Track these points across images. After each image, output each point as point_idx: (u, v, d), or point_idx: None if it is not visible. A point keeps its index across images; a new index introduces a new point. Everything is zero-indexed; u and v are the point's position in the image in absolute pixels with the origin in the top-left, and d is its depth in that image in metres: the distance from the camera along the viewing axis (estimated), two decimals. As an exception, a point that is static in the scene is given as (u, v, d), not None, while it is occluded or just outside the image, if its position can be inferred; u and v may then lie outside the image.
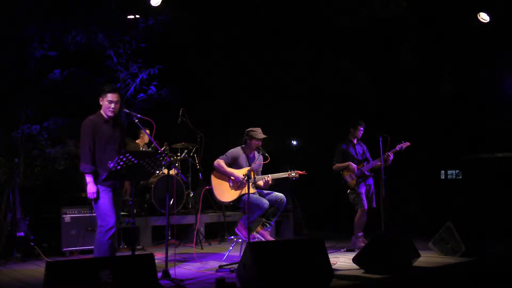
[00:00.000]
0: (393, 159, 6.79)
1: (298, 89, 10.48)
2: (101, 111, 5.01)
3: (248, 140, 6.12)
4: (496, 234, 7.23)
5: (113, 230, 4.78)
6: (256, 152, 6.12)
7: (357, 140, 7.18)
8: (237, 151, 6.14)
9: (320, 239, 4.84)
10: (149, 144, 8.20)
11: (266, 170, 6.25)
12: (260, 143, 6.06)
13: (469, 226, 6.32)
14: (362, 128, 7.10)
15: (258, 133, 6.06)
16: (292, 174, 5.99)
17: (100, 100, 4.99)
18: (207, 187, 6.26)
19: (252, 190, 5.87)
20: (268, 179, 5.95)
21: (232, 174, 5.97)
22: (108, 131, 4.96)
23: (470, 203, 8.37)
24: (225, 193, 5.98)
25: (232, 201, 5.99)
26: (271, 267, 4.34)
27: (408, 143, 6.82)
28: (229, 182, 6.01)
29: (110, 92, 4.95)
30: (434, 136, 9.42)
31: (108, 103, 4.93)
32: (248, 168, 5.92)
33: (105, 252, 4.75)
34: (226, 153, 6.11)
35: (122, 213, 7.02)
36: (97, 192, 4.80)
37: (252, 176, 5.94)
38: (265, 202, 5.79)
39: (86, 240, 6.62)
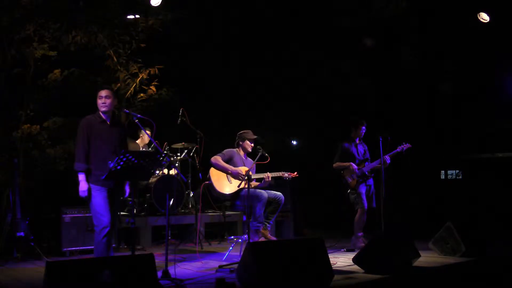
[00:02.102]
0: (393, 159, 6.79)
1: (298, 89, 10.48)
2: (99, 111, 5.07)
3: (241, 142, 6.35)
4: (496, 234, 7.23)
5: (107, 229, 4.79)
6: (246, 155, 6.32)
7: (359, 140, 7.18)
8: (232, 151, 6.34)
9: (320, 239, 4.83)
10: (149, 144, 8.20)
11: (266, 170, 6.26)
12: (252, 144, 6.25)
13: (469, 226, 6.32)
14: (364, 128, 7.11)
15: (250, 134, 6.29)
16: (285, 175, 6.08)
17: (97, 99, 5.07)
18: (206, 182, 6.31)
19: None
20: (268, 175, 6.00)
21: (229, 169, 6.06)
22: (105, 131, 4.97)
23: (470, 203, 8.37)
24: (224, 186, 6.07)
25: (231, 194, 6.02)
26: (271, 267, 4.34)
27: (409, 145, 6.82)
28: (227, 176, 6.10)
29: (102, 89, 5.11)
30: (434, 136, 9.42)
31: (99, 99, 5.03)
32: (244, 167, 6.07)
33: (102, 251, 4.77)
34: (223, 152, 6.28)
35: (122, 213, 7.03)
36: (89, 191, 4.85)
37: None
38: (264, 193, 5.88)
39: (86, 240, 6.62)
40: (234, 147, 6.40)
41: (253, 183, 6.13)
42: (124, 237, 7.15)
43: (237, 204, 6.09)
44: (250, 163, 6.22)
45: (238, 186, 5.92)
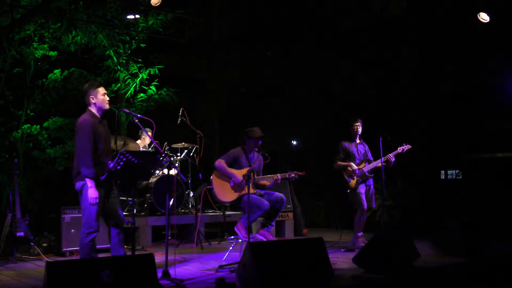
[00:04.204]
0: (395, 160, 6.78)
1: (298, 89, 10.48)
2: (93, 110, 4.90)
3: (247, 140, 6.14)
4: (497, 234, 7.22)
5: (95, 234, 4.73)
6: (255, 152, 6.13)
7: (359, 140, 7.18)
8: (237, 151, 6.15)
9: (320, 239, 4.84)
10: (149, 144, 8.20)
11: (266, 170, 6.25)
12: (259, 142, 6.08)
13: (469, 226, 6.31)
14: (358, 125, 7.08)
15: (256, 132, 6.09)
16: (292, 175, 6.01)
17: (90, 98, 4.87)
18: (208, 186, 6.25)
19: (252, 190, 5.87)
20: (278, 177, 5.96)
21: (233, 175, 5.97)
22: (103, 131, 4.90)
23: (470, 203, 8.36)
24: (226, 193, 5.97)
25: (233, 201, 5.98)
26: (271, 267, 4.34)
27: (409, 146, 6.80)
28: (230, 182, 6.01)
29: (100, 86, 4.96)
30: (434, 136, 9.42)
31: (103, 95, 4.91)
32: (248, 168, 5.92)
33: (87, 254, 4.71)
34: (227, 153, 6.12)
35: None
36: (99, 197, 4.71)
37: (253, 176, 5.93)
38: (265, 203, 5.80)
39: (86, 240, 6.61)
40: (239, 145, 6.20)
41: (264, 182, 6.08)
42: (124, 237, 7.15)
43: (240, 206, 6.06)
44: (257, 163, 6.16)
45: (240, 193, 5.89)
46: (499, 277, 5.45)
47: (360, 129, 7.10)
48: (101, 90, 4.92)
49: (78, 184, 4.77)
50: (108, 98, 4.95)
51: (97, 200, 4.68)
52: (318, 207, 10.14)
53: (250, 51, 10.25)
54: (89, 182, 4.66)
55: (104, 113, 5.00)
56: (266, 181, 6.05)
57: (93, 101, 4.89)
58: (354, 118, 7.13)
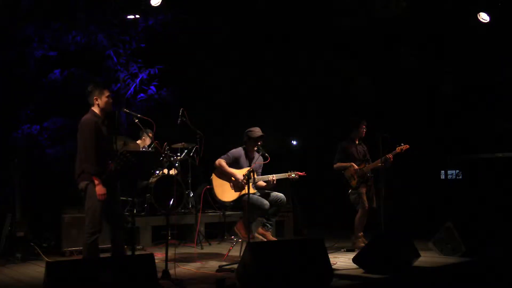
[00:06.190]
0: (393, 160, 6.78)
1: (298, 89, 10.48)
2: (96, 111, 4.95)
3: (247, 140, 6.13)
4: (496, 234, 7.22)
5: (98, 234, 4.76)
6: (255, 152, 6.14)
7: (359, 140, 7.18)
8: (238, 151, 6.16)
9: (320, 239, 4.84)
10: (149, 144, 8.19)
11: (266, 170, 6.25)
12: (260, 142, 6.08)
13: (469, 226, 6.31)
14: (364, 127, 7.10)
15: (256, 132, 6.10)
16: (292, 175, 6.00)
17: (95, 99, 4.93)
18: (207, 186, 6.25)
19: (252, 190, 5.87)
20: (273, 178, 5.95)
21: (233, 175, 5.98)
22: (105, 131, 4.94)
23: (470, 203, 8.36)
24: (225, 193, 5.98)
25: (233, 201, 5.99)
26: (271, 267, 4.34)
27: (407, 146, 6.81)
28: (230, 182, 6.01)
29: (105, 88, 5.01)
30: (434, 136, 9.42)
31: (107, 98, 4.96)
32: (248, 168, 5.92)
33: (89, 253, 4.75)
34: (228, 153, 6.13)
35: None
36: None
37: (253, 177, 5.93)
38: (266, 203, 5.80)
39: (86, 240, 6.60)
40: (240, 145, 6.22)
41: (261, 183, 6.08)
42: (124, 237, 7.14)
43: (239, 207, 6.06)
44: (257, 163, 6.15)
45: (240, 192, 5.88)
46: (498, 277, 5.46)
47: (364, 132, 7.11)
48: (106, 92, 4.98)
49: (82, 184, 4.79)
50: (111, 101, 5.00)
51: (105, 197, 4.70)
52: (318, 207, 10.13)
53: (250, 51, 10.24)
54: (96, 180, 4.71)
55: (106, 114, 5.03)
56: (263, 182, 6.05)
57: (97, 102, 4.95)
58: (361, 120, 7.10)
